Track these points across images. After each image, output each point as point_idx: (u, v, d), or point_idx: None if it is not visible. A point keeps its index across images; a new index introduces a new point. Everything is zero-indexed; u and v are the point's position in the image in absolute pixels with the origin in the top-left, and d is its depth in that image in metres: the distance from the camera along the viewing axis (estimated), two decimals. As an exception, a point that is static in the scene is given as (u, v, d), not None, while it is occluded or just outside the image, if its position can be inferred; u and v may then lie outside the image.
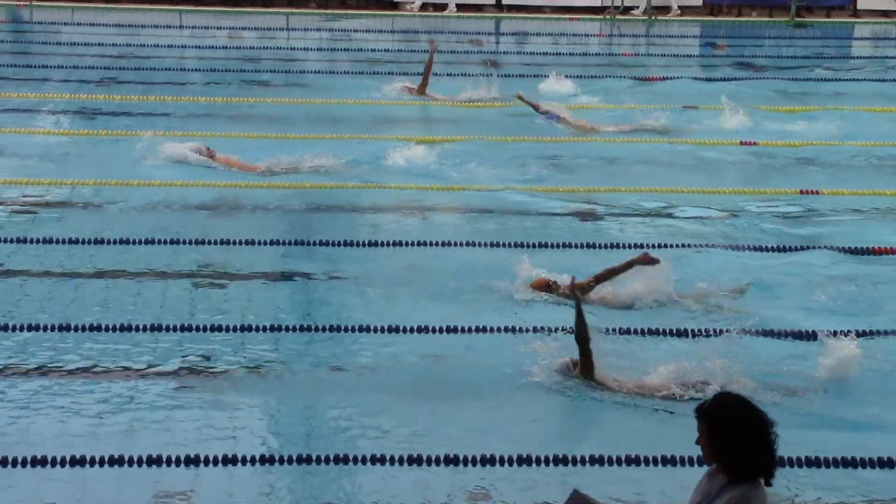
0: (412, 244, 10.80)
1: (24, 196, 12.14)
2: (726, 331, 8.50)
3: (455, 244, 10.77)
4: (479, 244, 10.82)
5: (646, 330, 8.96)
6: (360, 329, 8.88)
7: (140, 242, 10.66)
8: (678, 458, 6.98)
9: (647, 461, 7.00)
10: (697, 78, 19.20)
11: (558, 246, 10.88)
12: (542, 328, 8.83)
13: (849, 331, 8.52)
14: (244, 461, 7.04)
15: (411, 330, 8.87)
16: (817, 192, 12.91)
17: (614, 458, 7.01)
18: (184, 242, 10.71)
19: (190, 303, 9.50)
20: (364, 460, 7.04)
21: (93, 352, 8.55)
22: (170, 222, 11.45)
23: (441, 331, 8.86)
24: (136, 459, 6.95)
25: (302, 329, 8.90)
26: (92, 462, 6.93)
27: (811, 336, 8.68)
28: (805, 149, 14.76)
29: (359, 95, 16.88)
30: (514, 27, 25.08)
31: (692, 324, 9.12)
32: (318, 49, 21.69)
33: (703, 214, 12.27)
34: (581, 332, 7.80)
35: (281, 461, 7.04)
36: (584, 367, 7.87)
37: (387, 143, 14.14)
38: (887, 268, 10.51)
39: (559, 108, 15.36)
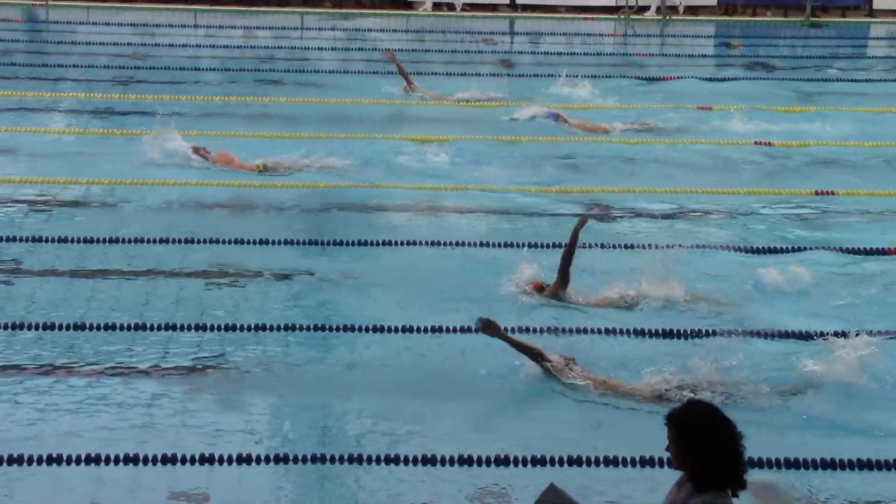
0: (426, 244, 10.81)
1: (39, 195, 12.18)
2: (737, 332, 8.48)
3: (469, 244, 10.77)
4: (494, 244, 10.82)
5: (660, 331, 8.94)
6: (374, 329, 8.89)
7: (154, 241, 10.69)
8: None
9: (661, 462, 6.99)
10: (712, 78, 19.16)
11: (584, 246, 10.87)
12: (555, 329, 8.83)
13: (870, 332, 8.51)
14: (258, 460, 7.05)
15: (425, 330, 8.88)
16: (832, 193, 12.87)
17: (628, 459, 7.01)
18: (197, 241, 10.73)
19: (203, 302, 9.52)
20: (378, 460, 7.05)
21: (107, 351, 8.57)
22: (183, 221, 11.48)
23: (455, 331, 8.86)
24: (150, 458, 6.97)
25: (316, 328, 8.91)
26: (107, 461, 6.96)
27: (825, 336, 8.66)
28: (820, 149, 14.72)
29: (373, 95, 16.89)
30: (528, 27, 25.06)
31: (702, 324, 9.10)
32: (332, 48, 21.71)
33: (718, 215, 12.25)
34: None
35: (295, 460, 7.05)
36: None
37: (400, 143, 14.14)
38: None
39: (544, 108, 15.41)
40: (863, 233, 11.60)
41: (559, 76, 17.63)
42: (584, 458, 7.03)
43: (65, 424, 7.53)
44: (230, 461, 7.01)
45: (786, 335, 8.91)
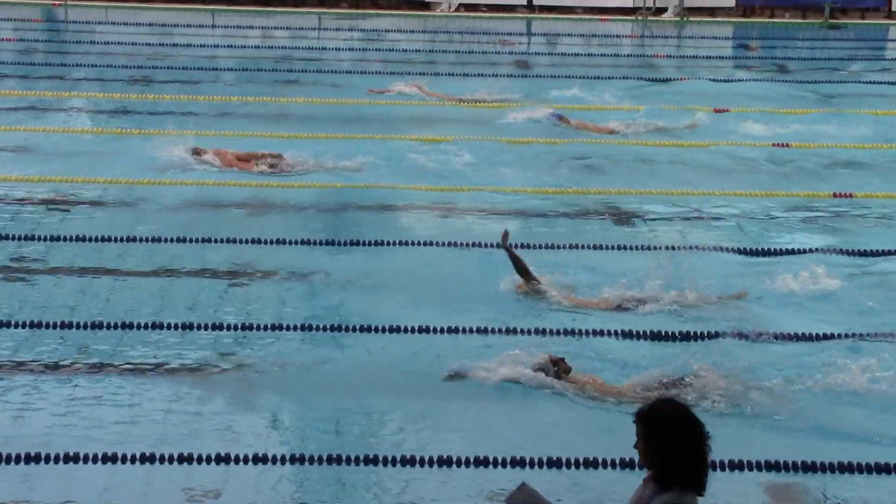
0: (442, 244, 10.81)
1: (56, 194, 12.22)
2: (752, 334, 8.45)
3: (485, 245, 10.77)
4: (510, 245, 10.81)
5: (673, 333, 8.92)
6: (390, 329, 8.88)
7: (171, 241, 10.71)
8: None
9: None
10: (729, 79, 19.11)
11: (589, 247, 10.86)
12: (572, 331, 8.81)
13: (890, 334, 8.47)
14: (273, 460, 7.06)
15: (441, 330, 8.87)
16: (851, 195, 12.82)
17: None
18: (214, 241, 10.75)
19: (220, 301, 9.53)
20: (394, 461, 7.04)
21: (124, 350, 8.59)
22: (200, 221, 11.50)
23: (471, 331, 8.86)
24: (166, 457, 6.98)
25: (332, 328, 8.91)
26: (123, 459, 6.97)
27: (844, 338, 8.63)
28: (838, 151, 14.66)
29: (390, 95, 16.89)
30: (545, 28, 25.03)
31: (714, 326, 9.07)
32: (349, 49, 21.73)
33: (734, 218, 12.21)
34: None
35: (311, 461, 7.06)
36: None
37: (416, 143, 14.14)
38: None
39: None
40: (881, 235, 11.55)
41: (575, 77, 17.62)
42: (599, 461, 7.01)
43: (81, 423, 7.55)
44: (245, 461, 7.01)
45: (803, 338, 8.87)
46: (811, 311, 9.53)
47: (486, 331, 8.87)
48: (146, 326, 8.88)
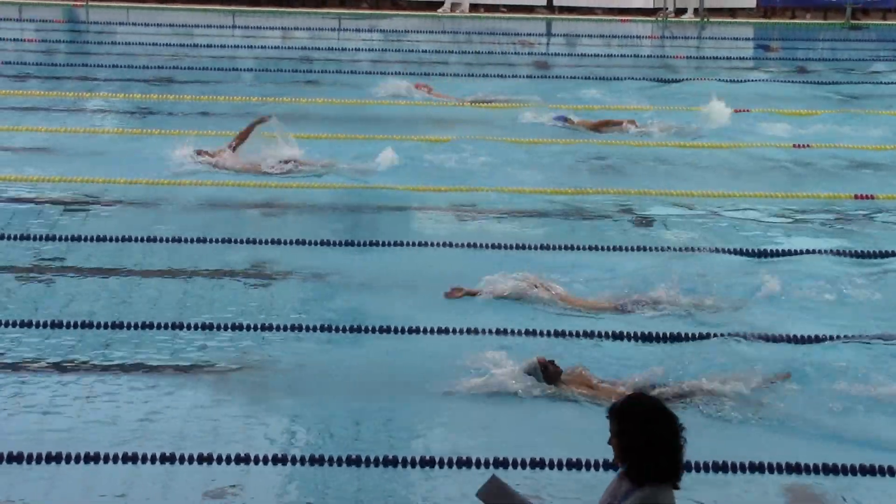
0: (462, 246, 10.81)
1: (77, 194, 12.27)
2: (766, 336, 8.42)
3: (504, 247, 10.76)
4: (530, 247, 10.81)
5: (689, 335, 8.90)
6: (410, 331, 8.88)
7: (191, 241, 10.74)
8: (713, 465, 6.93)
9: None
10: (750, 80, 19.04)
11: (610, 249, 10.84)
12: (590, 333, 8.80)
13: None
14: (293, 461, 7.07)
15: (461, 331, 8.87)
16: (872, 197, 12.76)
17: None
18: (235, 241, 10.78)
19: (240, 301, 9.55)
20: (413, 462, 7.04)
21: (144, 349, 8.62)
22: (221, 221, 11.53)
23: (492, 333, 8.85)
24: (186, 457, 6.99)
25: (351, 330, 8.92)
26: (143, 459, 6.99)
27: (866, 341, 8.58)
28: (859, 152, 14.59)
29: (409, 96, 16.90)
30: (565, 29, 25.00)
31: (727, 328, 9.04)
32: (369, 49, 21.75)
33: (755, 219, 12.16)
34: None
35: (330, 462, 7.06)
36: None
37: (435, 144, 14.15)
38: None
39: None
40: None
41: (594, 79, 17.60)
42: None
43: (101, 422, 7.57)
44: (265, 461, 7.03)
45: (823, 339, 8.83)
46: (831, 312, 9.48)
47: (505, 332, 8.86)
48: (166, 326, 8.90)
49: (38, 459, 6.98)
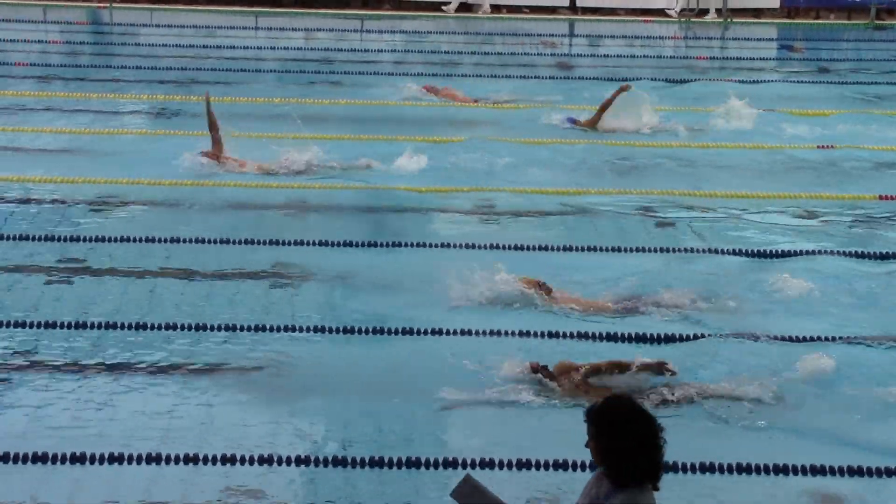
0: (484, 247, 10.80)
1: (101, 195, 12.31)
2: (788, 338, 8.36)
3: (526, 248, 10.75)
4: (553, 248, 10.79)
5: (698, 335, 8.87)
6: (433, 332, 8.88)
7: (214, 242, 10.77)
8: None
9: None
10: (774, 81, 18.96)
11: (633, 250, 10.82)
12: (614, 335, 8.78)
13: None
14: (316, 462, 7.07)
15: (484, 333, 8.86)
16: (897, 198, 12.70)
17: (688, 466, 6.95)
18: (258, 243, 10.80)
19: (263, 303, 9.57)
20: (436, 464, 7.04)
21: (167, 350, 8.64)
22: (243, 222, 11.56)
23: (513, 334, 8.84)
24: (209, 458, 7.01)
25: (374, 332, 8.92)
26: (167, 460, 7.01)
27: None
28: (884, 153, 14.51)
29: (431, 97, 16.90)
30: (588, 29, 24.96)
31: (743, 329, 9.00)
32: (391, 50, 21.77)
33: (780, 220, 12.11)
34: None
35: (353, 463, 7.07)
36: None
37: (457, 145, 14.14)
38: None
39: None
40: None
41: (617, 80, 17.54)
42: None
43: (124, 423, 7.60)
44: (287, 462, 7.04)
45: (844, 340, 8.79)
46: (852, 316, 9.43)
47: (528, 334, 8.84)
48: (190, 328, 8.92)
49: (63, 460, 7.02)
